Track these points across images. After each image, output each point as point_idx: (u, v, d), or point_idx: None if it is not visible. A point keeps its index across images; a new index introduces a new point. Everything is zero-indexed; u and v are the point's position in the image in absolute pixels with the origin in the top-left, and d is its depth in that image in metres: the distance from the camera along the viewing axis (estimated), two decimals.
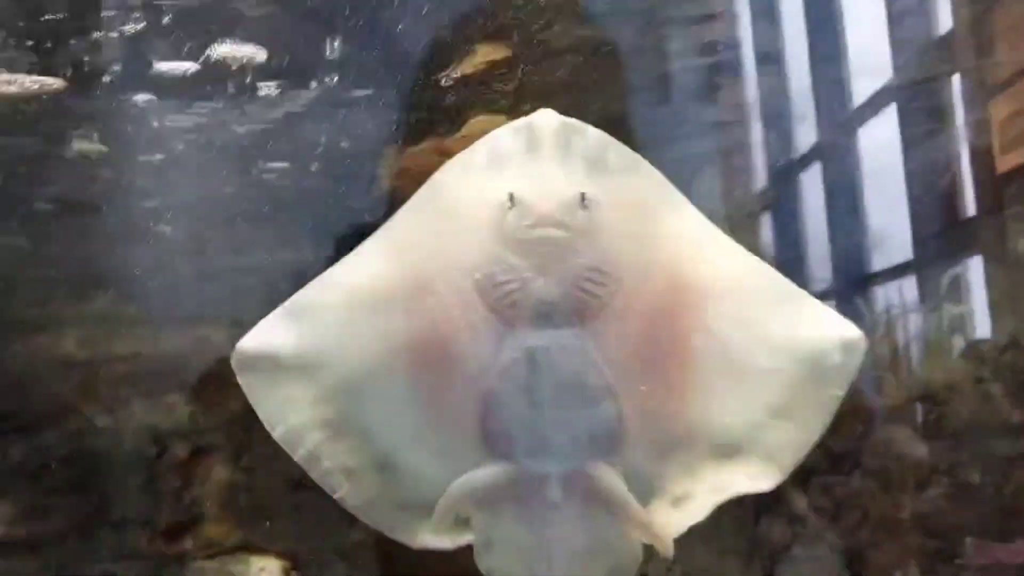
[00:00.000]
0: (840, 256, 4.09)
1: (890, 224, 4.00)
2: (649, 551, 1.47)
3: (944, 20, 3.86)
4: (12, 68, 2.90)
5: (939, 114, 3.91)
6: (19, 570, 3.26)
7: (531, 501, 1.41)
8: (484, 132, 1.41)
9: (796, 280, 3.95)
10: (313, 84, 3.27)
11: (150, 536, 3.34)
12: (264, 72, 3.14)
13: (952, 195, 3.90)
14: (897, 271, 4.01)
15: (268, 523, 3.37)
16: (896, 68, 3.95)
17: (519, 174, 1.40)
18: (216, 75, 3.10)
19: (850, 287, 4.06)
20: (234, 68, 3.08)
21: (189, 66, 3.09)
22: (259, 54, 3.10)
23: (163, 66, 3.11)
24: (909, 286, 3.94)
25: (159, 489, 3.37)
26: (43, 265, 3.41)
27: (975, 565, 3.37)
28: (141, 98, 3.21)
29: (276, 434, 1.41)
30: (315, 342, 1.45)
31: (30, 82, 2.89)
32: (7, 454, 3.22)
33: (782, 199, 4.17)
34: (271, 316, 1.43)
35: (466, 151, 1.46)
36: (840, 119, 4.10)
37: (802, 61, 4.07)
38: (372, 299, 1.45)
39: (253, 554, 3.34)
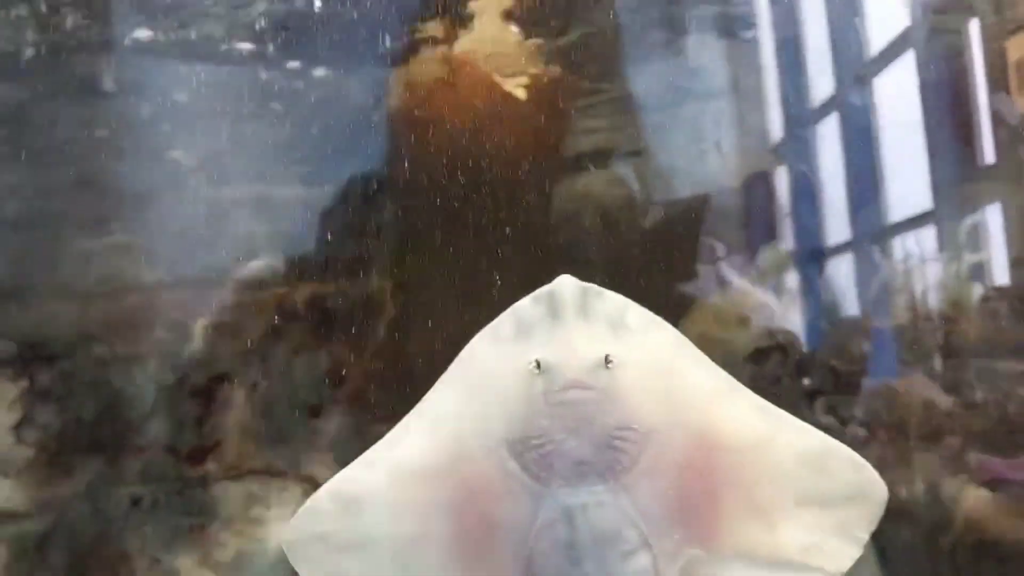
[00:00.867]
0: (858, 207, 4.09)
1: (908, 173, 3.99)
2: None
3: None
4: None
5: (955, 58, 3.85)
6: (50, 491, 3.41)
7: None
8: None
9: (814, 233, 4.05)
10: None
11: (174, 460, 3.46)
12: None
13: (970, 141, 3.88)
14: (915, 221, 4.02)
15: (286, 447, 3.48)
16: (912, 14, 3.89)
17: (544, 341, 1.45)
18: None
19: (868, 238, 4.07)
20: None
21: None
22: None
23: None
24: (928, 236, 3.97)
25: (180, 415, 3.49)
26: (63, 198, 3.48)
27: (979, 480, 3.46)
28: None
29: None
30: (363, 520, 1.49)
31: None
32: (34, 380, 3.34)
33: (800, 151, 4.17)
34: (318, 497, 1.48)
35: (493, 323, 1.52)
36: (857, 68, 4.05)
37: (819, 10, 4.02)
38: (413, 473, 1.50)
39: (274, 476, 3.47)
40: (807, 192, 4.14)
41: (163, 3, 3.65)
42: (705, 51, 4.00)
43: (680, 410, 1.49)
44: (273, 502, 3.46)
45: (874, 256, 4.01)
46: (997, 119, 3.74)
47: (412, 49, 3.54)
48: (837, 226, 4.11)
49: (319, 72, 3.76)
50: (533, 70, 3.59)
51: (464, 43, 3.56)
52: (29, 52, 3.45)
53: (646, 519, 1.48)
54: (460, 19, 3.56)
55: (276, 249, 3.46)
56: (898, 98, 3.97)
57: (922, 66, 3.86)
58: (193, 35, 3.58)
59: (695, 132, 4.07)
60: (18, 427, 3.36)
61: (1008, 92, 3.65)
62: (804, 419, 1.53)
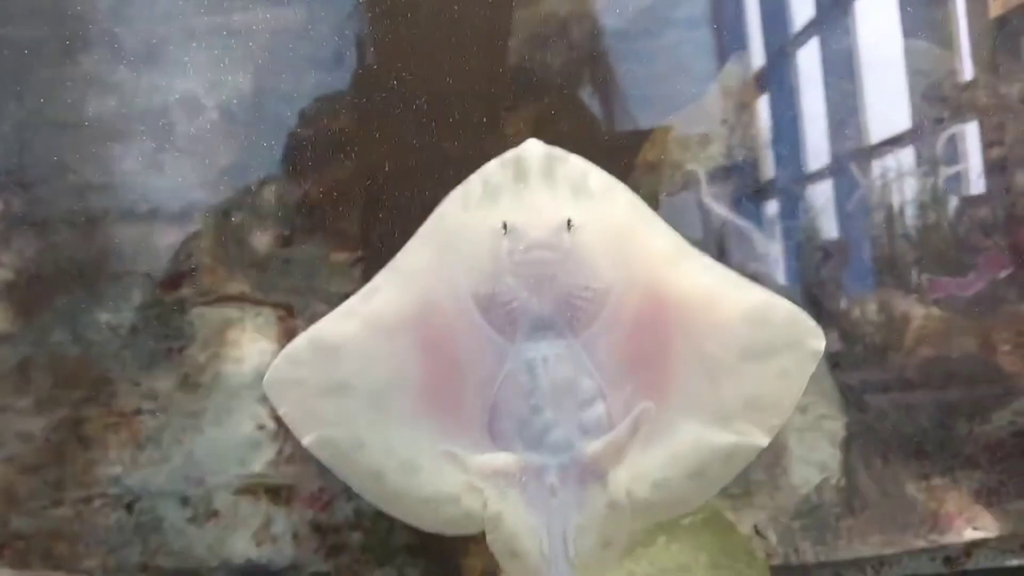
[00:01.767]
0: (837, 129, 4.14)
1: (886, 92, 4.03)
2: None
3: None
4: None
5: None
6: (30, 316, 3.50)
7: (533, 486, 1.59)
8: None
9: (794, 156, 4.06)
10: None
11: (151, 286, 3.56)
12: None
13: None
14: (893, 141, 4.07)
15: (260, 275, 3.57)
16: None
17: (511, 203, 1.55)
18: None
19: (847, 159, 4.13)
20: None
21: None
22: None
23: None
24: (906, 154, 4.02)
25: (154, 243, 3.57)
26: (30, 26, 3.47)
27: (930, 298, 3.62)
28: None
29: (305, 441, 1.55)
30: (339, 367, 1.57)
31: None
32: (9, 204, 3.40)
33: (779, 75, 4.19)
34: (295, 345, 1.54)
35: (463, 185, 1.61)
36: None
37: None
38: (387, 325, 1.60)
39: (249, 302, 3.57)
40: (789, 117, 4.19)
41: None
42: None
43: (636, 270, 1.59)
44: (249, 326, 3.57)
45: (853, 174, 4.08)
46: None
47: None
48: (818, 150, 4.17)
49: None
50: None
51: None
52: None
53: (601, 371, 1.61)
54: None
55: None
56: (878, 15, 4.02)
57: None
58: None
59: (676, 61, 4.10)
60: None
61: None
62: None
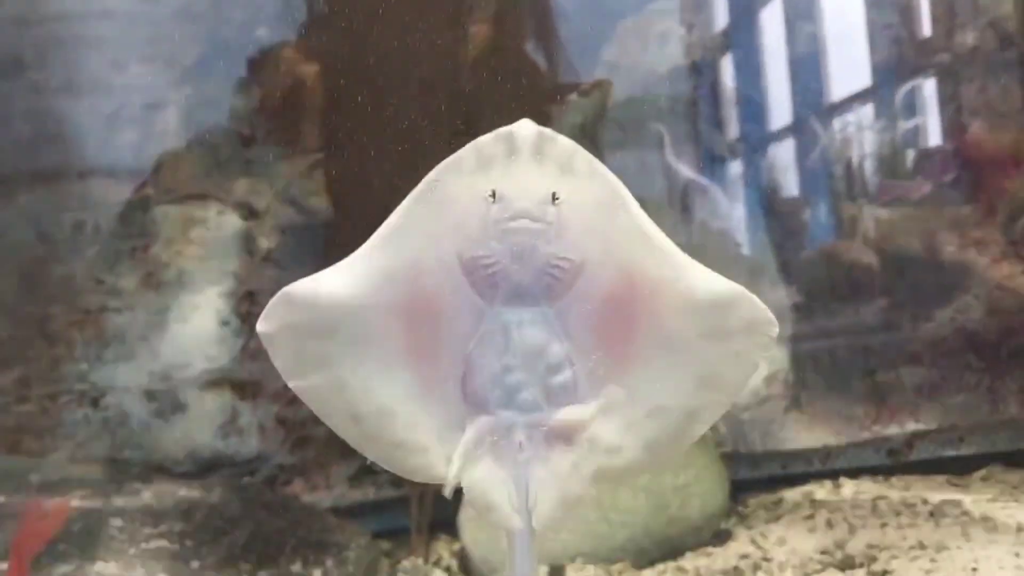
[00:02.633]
0: (799, 87, 4.24)
1: (848, 52, 4.13)
2: None
3: None
4: None
5: None
6: None
7: (503, 443, 1.69)
8: None
9: (758, 111, 4.12)
10: None
11: (114, 185, 3.60)
12: None
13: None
14: (855, 97, 4.20)
15: (222, 174, 3.62)
16: None
17: (501, 174, 1.65)
18: None
19: (808, 115, 4.23)
20: None
21: None
22: None
23: None
24: (866, 110, 4.15)
25: (118, 141, 3.60)
26: None
27: (881, 200, 3.77)
28: None
29: (291, 384, 1.62)
30: (328, 315, 1.62)
31: None
32: None
33: (742, 36, 4.27)
34: (290, 291, 1.61)
35: (456, 154, 1.69)
36: None
37: None
38: (376, 281, 1.66)
39: (211, 200, 3.62)
40: (753, 79, 4.27)
41: None
42: None
43: (611, 247, 1.70)
44: (212, 224, 3.62)
45: (815, 130, 4.19)
46: None
47: None
48: (781, 109, 4.27)
49: None
50: None
51: None
52: None
53: (571, 339, 1.71)
54: None
55: None
56: None
57: None
58: None
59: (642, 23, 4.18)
60: None
61: None
62: None
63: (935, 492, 3.70)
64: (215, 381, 3.57)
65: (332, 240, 3.58)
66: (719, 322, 1.69)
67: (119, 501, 3.28)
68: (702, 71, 4.31)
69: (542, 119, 1.61)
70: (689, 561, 3.30)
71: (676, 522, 3.35)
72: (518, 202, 1.66)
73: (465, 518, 3.42)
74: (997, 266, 3.82)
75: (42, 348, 3.56)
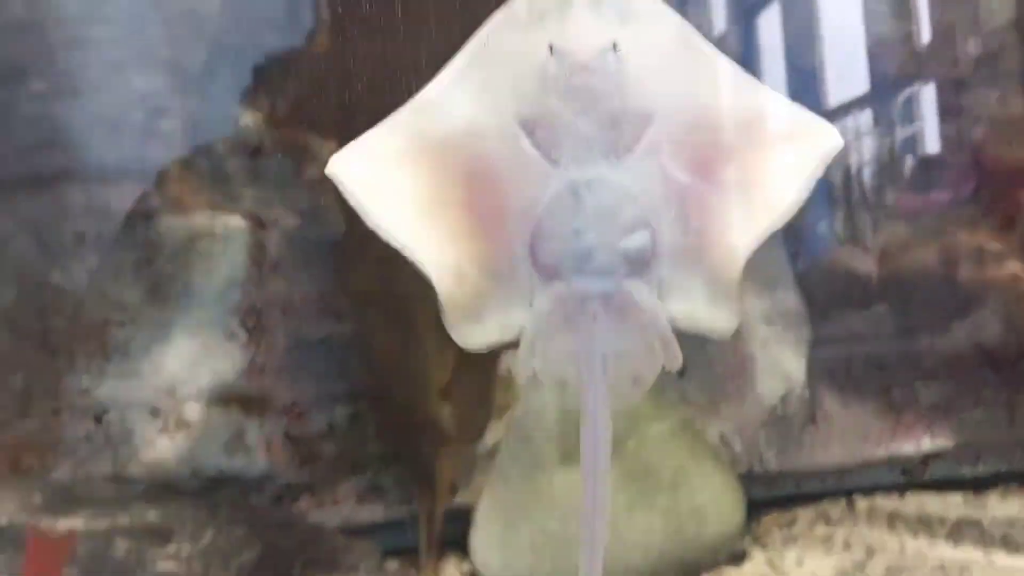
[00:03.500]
0: (796, 92, 4.16)
1: (847, 58, 4.05)
2: None
3: None
4: None
5: None
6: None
7: (575, 314, 1.57)
8: None
9: None
10: None
11: (117, 195, 3.50)
12: None
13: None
14: (854, 103, 4.11)
15: (227, 184, 3.54)
16: None
17: (557, 27, 1.52)
18: None
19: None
20: None
21: None
22: None
23: None
24: (865, 116, 4.06)
25: (121, 152, 3.51)
26: None
27: (899, 212, 3.72)
28: None
29: (370, 221, 1.53)
30: (385, 175, 1.55)
31: None
32: None
33: (741, 40, 4.19)
34: (359, 143, 1.54)
35: (505, 8, 1.59)
36: None
37: None
38: (432, 143, 1.57)
39: (218, 211, 3.54)
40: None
41: None
42: None
43: (680, 94, 1.58)
44: (218, 236, 3.53)
45: None
46: None
47: None
48: None
49: None
50: None
51: None
52: None
53: (645, 197, 1.57)
54: None
55: None
56: None
57: None
58: None
59: None
60: None
61: None
62: None
63: (952, 511, 3.66)
64: (221, 398, 3.49)
65: (342, 252, 3.49)
66: (793, 154, 1.57)
67: (124, 520, 3.22)
68: None
69: None
70: None
71: (692, 543, 3.29)
72: (577, 55, 1.53)
73: (476, 539, 3.36)
74: (1015, 280, 3.77)
75: (43, 362, 3.47)
